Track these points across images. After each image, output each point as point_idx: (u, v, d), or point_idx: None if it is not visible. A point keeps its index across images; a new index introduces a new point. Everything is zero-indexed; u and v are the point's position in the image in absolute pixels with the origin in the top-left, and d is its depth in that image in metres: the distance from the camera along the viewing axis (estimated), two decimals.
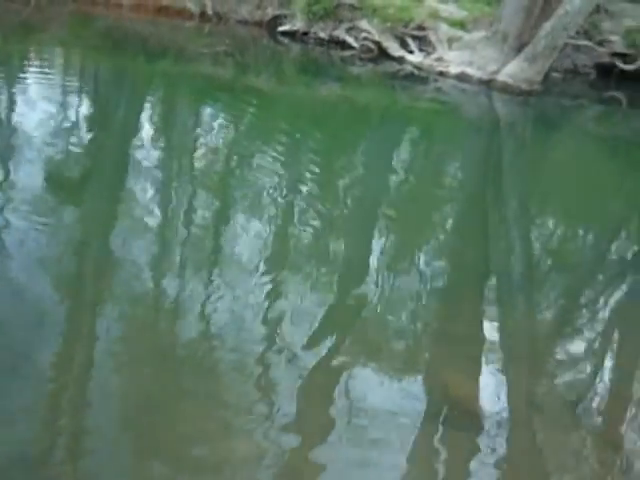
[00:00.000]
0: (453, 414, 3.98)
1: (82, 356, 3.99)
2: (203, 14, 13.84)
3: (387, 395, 4.12)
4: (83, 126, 8.08)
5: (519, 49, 12.69)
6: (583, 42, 13.82)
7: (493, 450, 3.77)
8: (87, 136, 7.79)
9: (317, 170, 7.78)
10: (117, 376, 3.86)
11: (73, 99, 9.19)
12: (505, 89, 12.46)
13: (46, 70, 10.26)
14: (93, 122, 8.39)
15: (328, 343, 4.53)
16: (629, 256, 7.26)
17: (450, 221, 7.40)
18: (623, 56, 14.07)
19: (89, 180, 6.60)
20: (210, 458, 3.37)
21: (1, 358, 3.71)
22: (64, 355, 3.92)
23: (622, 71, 14.05)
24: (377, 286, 5.41)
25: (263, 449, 3.46)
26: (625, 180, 9.84)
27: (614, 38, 14.10)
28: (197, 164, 7.54)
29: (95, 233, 5.56)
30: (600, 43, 14.02)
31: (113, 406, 3.59)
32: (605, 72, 14.06)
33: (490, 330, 5.11)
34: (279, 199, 6.72)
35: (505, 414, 4.11)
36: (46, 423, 3.42)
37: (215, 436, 3.50)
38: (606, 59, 14.05)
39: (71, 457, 3.24)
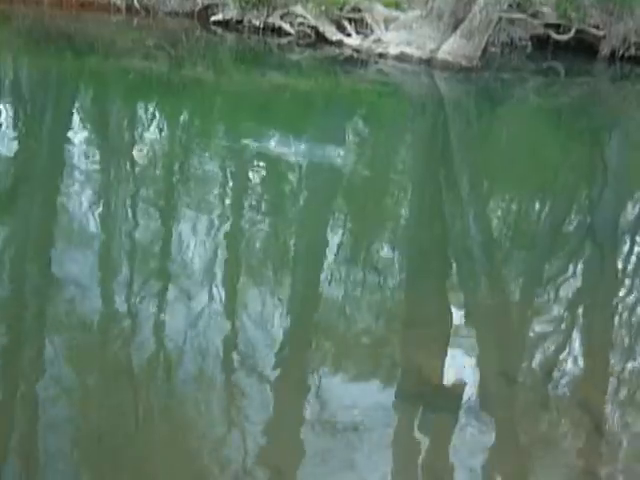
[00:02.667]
0: (430, 397, 3.91)
1: (28, 380, 3.72)
2: (130, 7, 13.30)
3: (361, 386, 4.02)
4: (5, 133, 7.56)
5: (455, 26, 12.62)
6: (517, 15, 13.86)
7: (473, 429, 3.71)
8: (10, 144, 7.27)
9: (263, 160, 7.52)
10: (68, 402, 3.58)
11: None
12: (445, 66, 12.40)
13: None
14: (17, 128, 7.90)
15: (294, 341, 4.38)
16: (583, 225, 7.30)
17: (404, 203, 7.31)
18: (557, 27, 14.18)
19: (14, 191, 6.17)
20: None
21: None
22: (8, 383, 3.68)
23: (557, 42, 14.17)
24: (336, 277, 5.26)
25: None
26: (571, 149, 9.94)
27: (546, 9, 14.19)
28: (136, 165, 7.18)
29: (28, 248, 5.18)
30: (533, 15, 14.09)
31: (64, 436, 3.34)
32: (541, 44, 14.17)
33: (455, 310, 5.01)
34: (225, 195, 6.49)
35: (481, 392, 4.04)
36: None
37: (179, 459, 3.27)
38: (540, 31, 14.14)
39: None
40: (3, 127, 7.75)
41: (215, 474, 3.20)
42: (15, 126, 7.97)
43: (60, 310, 4.36)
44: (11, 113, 8.55)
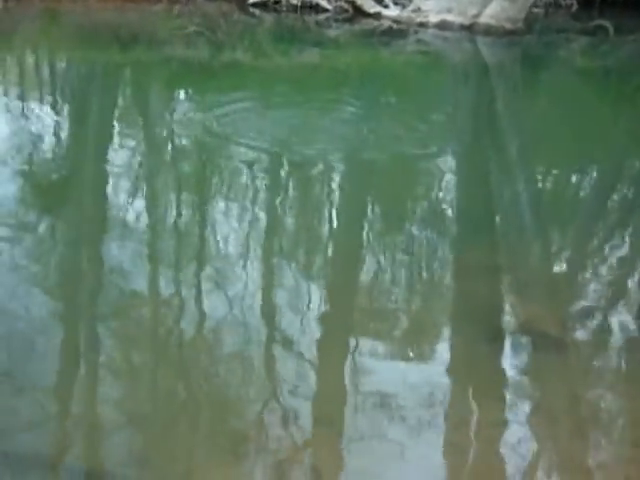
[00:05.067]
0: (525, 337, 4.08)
1: (83, 367, 3.83)
2: None
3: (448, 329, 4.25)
4: (58, 127, 7.80)
5: None
6: None
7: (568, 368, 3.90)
8: (62, 137, 7.52)
9: (303, 135, 7.52)
10: (117, 380, 3.73)
11: (46, 99, 8.97)
12: (489, 31, 12.16)
13: (19, 71, 10.10)
14: (68, 122, 8.14)
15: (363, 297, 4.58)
16: (635, 190, 7.09)
17: (451, 170, 7.22)
18: None
19: (67, 183, 6.35)
20: (226, 454, 3.21)
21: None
22: (62, 370, 3.77)
23: None
24: (389, 242, 5.43)
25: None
26: (620, 113, 9.59)
27: None
28: (176, 151, 7.25)
29: (79, 240, 5.30)
30: None
31: (115, 414, 3.43)
32: (587, 1, 13.68)
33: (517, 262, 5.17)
34: (266, 173, 6.55)
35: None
36: (52, 436, 3.31)
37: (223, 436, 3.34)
38: None
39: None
40: (54, 117, 8.06)
41: (262, 450, 3.24)
42: (65, 116, 8.26)
43: (110, 292, 4.52)
44: (61, 104, 8.87)
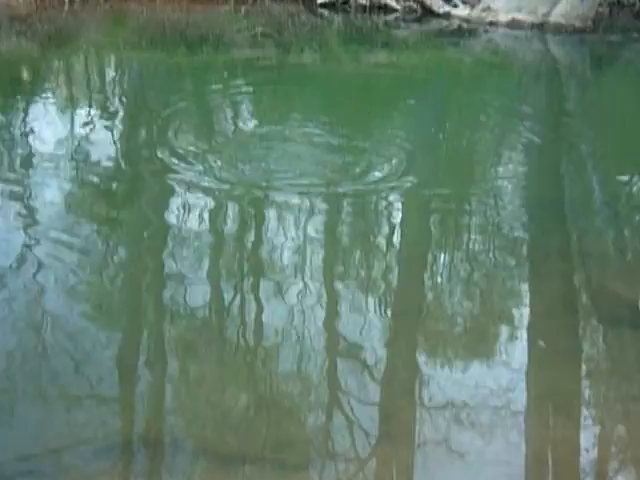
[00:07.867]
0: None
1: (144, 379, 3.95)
2: None
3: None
4: (126, 130, 7.97)
5: None
6: None
7: None
8: (128, 139, 7.66)
9: (372, 138, 7.53)
10: (178, 389, 3.84)
11: (114, 101, 9.10)
12: (559, 30, 12.00)
13: (85, 72, 10.30)
14: (135, 124, 8.23)
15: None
16: None
17: (523, 167, 7.29)
18: None
19: (130, 184, 6.52)
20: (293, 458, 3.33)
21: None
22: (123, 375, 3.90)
23: None
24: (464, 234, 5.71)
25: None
26: None
27: None
28: (242, 157, 7.10)
29: (140, 243, 5.45)
30: None
31: (182, 422, 3.57)
32: None
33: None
34: (338, 178, 6.52)
35: None
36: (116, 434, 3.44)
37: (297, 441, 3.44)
38: None
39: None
40: (117, 119, 8.27)
41: (333, 457, 3.36)
42: (127, 123, 8.33)
43: (170, 299, 4.63)
44: (125, 111, 8.94)
